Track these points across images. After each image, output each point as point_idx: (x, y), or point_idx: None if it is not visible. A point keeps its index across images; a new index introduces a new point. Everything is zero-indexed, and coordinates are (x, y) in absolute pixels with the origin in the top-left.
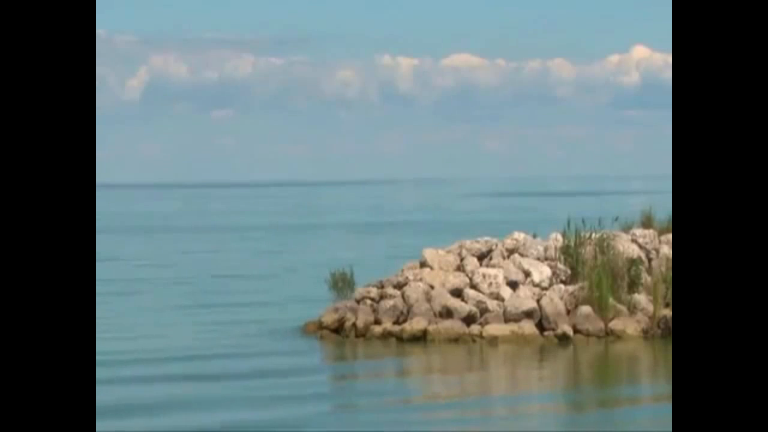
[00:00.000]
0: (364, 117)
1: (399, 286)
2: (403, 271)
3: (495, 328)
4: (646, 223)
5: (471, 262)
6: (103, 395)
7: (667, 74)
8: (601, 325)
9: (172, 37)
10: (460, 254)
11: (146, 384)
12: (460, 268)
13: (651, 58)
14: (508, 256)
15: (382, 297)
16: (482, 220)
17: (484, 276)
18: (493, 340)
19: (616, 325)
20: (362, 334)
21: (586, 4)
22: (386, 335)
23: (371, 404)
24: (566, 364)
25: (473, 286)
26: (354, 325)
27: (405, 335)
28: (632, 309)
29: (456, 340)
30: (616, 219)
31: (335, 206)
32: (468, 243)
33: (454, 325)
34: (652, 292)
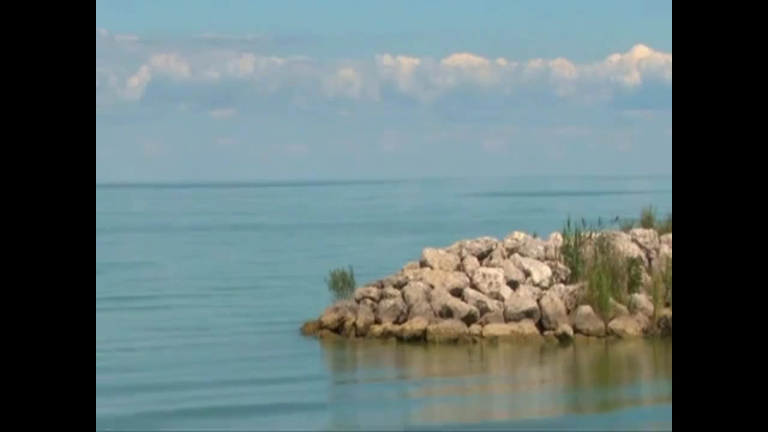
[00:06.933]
0: (365, 117)
1: (399, 285)
2: (403, 270)
3: (495, 328)
4: (646, 223)
5: (471, 262)
6: (101, 401)
7: (668, 74)
8: (601, 324)
9: (173, 37)
10: (460, 254)
11: (144, 391)
12: (460, 267)
13: (652, 58)
14: (508, 256)
15: (382, 297)
16: (482, 220)
17: (484, 276)
18: (493, 340)
19: (616, 324)
20: (362, 333)
21: (587, 4)
22: (386, 335)
23: (371, 405)
24: (566, 364)
25: (473, 286)
26: (354, 324)
27: (405, 335)
28: (632, 309)
29: (456, 339)
30: (616, 219)
31: (335, 206)
32: (468, 243)
33: (454, 325)
34: (652, 291)
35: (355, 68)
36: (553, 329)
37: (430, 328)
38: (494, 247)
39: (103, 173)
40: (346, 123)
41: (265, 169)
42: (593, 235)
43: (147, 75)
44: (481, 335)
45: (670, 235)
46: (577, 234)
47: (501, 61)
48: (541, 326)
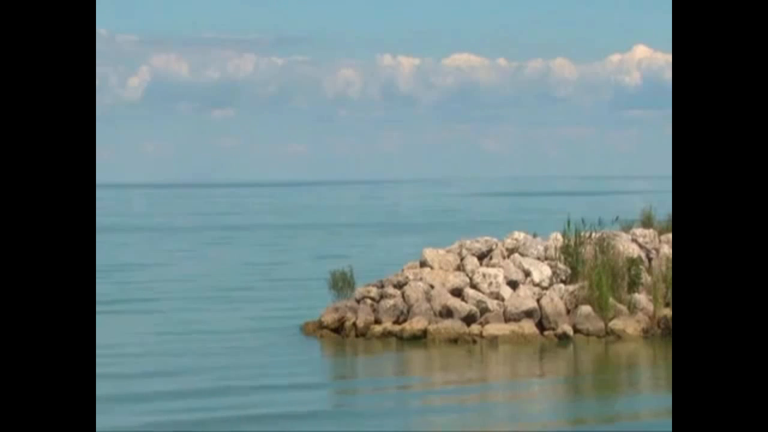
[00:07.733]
0: (365, 116)
1: (399, 285)
2: (403, 270)
3: (495, 328)
4: (646, 222)
5: (471, 262)
6: (100, 409)
7: (669, 74)
8: (601, 324)
9: (173, 37)
10: (460, 254)
11: (145, 400)
12: (460, 267)
13: (652, 58)
14: (508, 256)
15: (382, 296)
16: (482, 220)
17: (484, 276)
18: (493, 340)
19: (616, 324)
20: (362, 333)
21: (587, 4)
22: (386, 335)
23: (371, 406)
24: (566, 364)
25: (473, 286)
26: (354, 324)
27: (405, 335)
28: (632, 309)
29: (456, 339)
30: (616, 219)
31: (336, 206)
32: (468, 243)
33: (454, 325)
34: (652, 291)
35: (355, 68)
36: (553, 329)
37: (430, 328)
38: (494, 247)
39: (103, 173)
40: (346, 123)
41: (266, 169)
42: (593, 235)
43: (147, 75)
44: (481, 335)
45: (670, 235)
46: (577, 234)
47: (501, 61)
48: (541, 326)
